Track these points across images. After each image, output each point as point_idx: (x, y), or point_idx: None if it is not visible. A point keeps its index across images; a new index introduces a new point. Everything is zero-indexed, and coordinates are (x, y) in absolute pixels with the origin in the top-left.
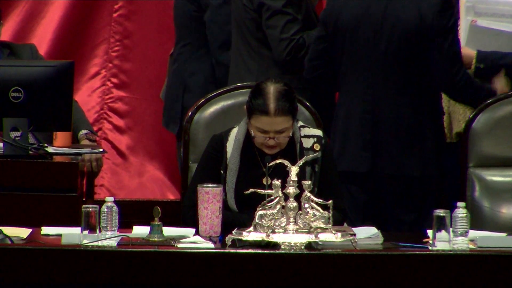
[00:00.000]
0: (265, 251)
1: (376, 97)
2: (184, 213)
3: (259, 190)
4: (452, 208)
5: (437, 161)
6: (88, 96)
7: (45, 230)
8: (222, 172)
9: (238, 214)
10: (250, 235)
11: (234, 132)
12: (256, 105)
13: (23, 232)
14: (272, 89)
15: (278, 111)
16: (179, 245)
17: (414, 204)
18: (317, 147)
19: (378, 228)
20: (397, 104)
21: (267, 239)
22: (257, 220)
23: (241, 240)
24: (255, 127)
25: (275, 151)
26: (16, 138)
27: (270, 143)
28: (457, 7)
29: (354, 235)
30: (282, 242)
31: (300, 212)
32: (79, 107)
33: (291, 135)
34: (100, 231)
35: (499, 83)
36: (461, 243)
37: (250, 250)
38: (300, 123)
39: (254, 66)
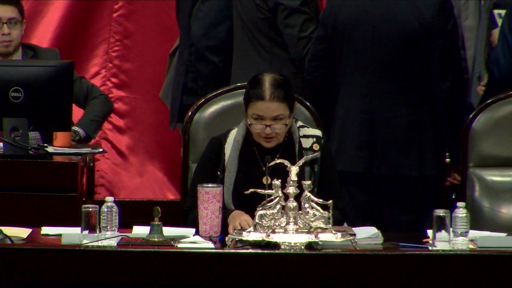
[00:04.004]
0: (265, 251)
1: (374, 97)
2: (185, 217)
3: (259, 190)
4: (452, 208)
5: (436, 161)
6: None
7: (45, 230)
8: (219, 173)
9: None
10: (250, 235)
11: (233, 133)
12: (252, 93)
13: (23, 232)
14: (268, 77)
15: (274, 96)
16: (179, 245)
17: (413, 204)
18: (316, 147)
19: (377, 228)
20: (395, 104)
21: (267, 239)
22: (257, 220)
23: (241, 240)
24: (252, 114)
25: (273, 143)
26: (16, 138)
27: (267, 131)
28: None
29: (354, 235)
30: (282, 242)
31: (300, 212)
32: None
33: (288, 136)
34: (100, 231)
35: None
36: (461, 243)
37: (250, 250)
38: (300, 123)
39: (265, 67)
